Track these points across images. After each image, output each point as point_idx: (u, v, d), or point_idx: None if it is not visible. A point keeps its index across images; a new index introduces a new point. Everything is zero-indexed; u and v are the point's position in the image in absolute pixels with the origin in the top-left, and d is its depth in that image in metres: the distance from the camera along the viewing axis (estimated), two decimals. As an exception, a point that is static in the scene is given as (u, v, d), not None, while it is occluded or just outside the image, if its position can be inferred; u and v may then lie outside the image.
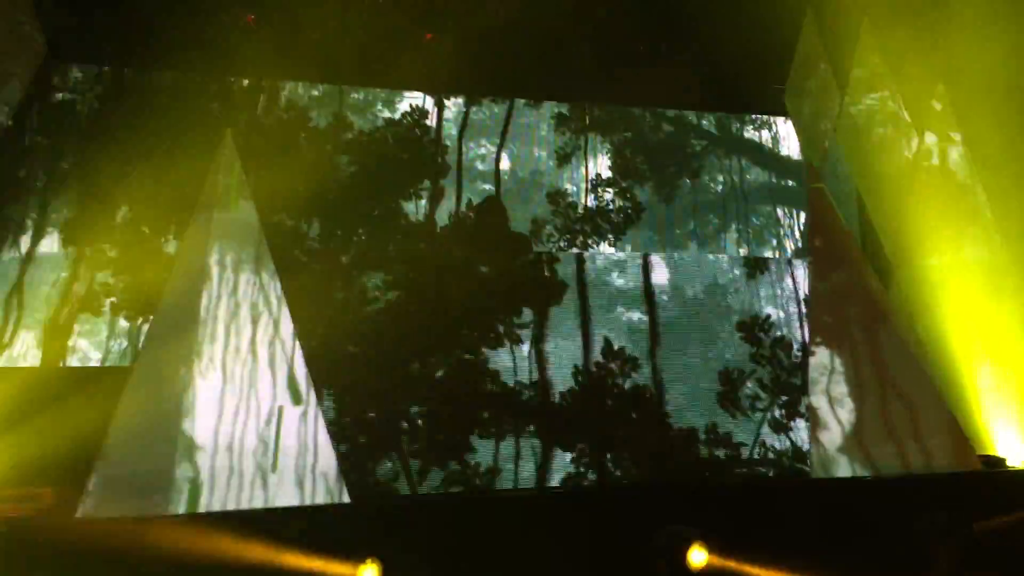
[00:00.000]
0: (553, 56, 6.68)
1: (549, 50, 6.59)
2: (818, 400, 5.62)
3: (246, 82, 6.71)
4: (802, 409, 6.89)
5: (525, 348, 6.74)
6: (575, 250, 7.03)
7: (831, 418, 5.78)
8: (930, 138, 6.29)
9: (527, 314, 6.82)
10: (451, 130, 7.16)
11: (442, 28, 6.67)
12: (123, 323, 6.41)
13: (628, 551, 4.92)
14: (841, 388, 5.64)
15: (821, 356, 5.69)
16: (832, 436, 5.72)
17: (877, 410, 5.54)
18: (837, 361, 5.63)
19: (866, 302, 5.89)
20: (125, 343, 6.37)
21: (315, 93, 6.91)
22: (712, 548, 5.02)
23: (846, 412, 5.66)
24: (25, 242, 6.34)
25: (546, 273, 6.93)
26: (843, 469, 5.57)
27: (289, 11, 6.41)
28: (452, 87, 7.00)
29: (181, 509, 4.64)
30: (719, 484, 6.69)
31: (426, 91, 6.99)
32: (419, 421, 6.24)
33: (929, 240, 6.07)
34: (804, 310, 7.21)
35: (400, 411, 6.10)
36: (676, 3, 6.63)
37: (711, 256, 7.16)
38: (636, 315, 7.06)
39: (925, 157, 6.14)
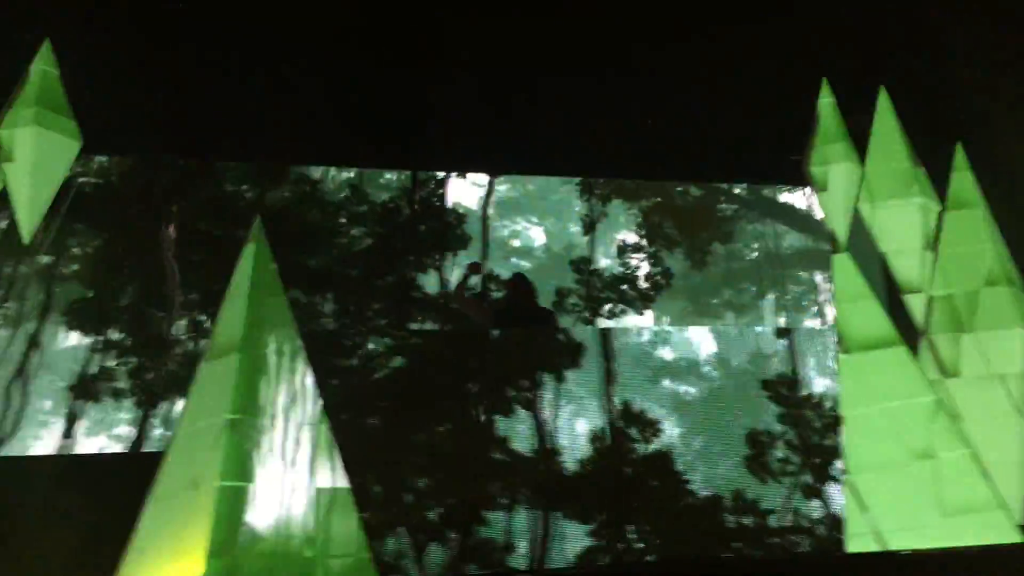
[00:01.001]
0: (576, 132, 6.78)
1: (572, 126, 6.70)
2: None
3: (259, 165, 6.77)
4: (834, 473, 6.80)
5: (539, 416, 6.65)
6: (604, 321, 7.02)
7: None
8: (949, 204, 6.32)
9: (542, 379, 6.73)
10: (470, 201, 7.22)
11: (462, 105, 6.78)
12: (129, 411, 6.40)
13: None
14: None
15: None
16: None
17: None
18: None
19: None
20: (134, 431, 6.36)
21: (332, 171, 6.99)
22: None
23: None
24: (30, 328, 6.39)
25: (565, 341, 6.91)
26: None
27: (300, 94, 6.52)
28: (472, 165, 7.08)
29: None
30: (744, 559, 6.58)
31: (446, 169, 7.07)
32: (424, 494, 6.13)
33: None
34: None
35: (405, 484, 5.97)
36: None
37: (746, 327, 7.06)
38: (663, 386, 7.00)
39: (946, 225, 6.17)
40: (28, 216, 4.86)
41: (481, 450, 6.43)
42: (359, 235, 7.04)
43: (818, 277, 7.48)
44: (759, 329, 7.08)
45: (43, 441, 6.53)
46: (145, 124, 6.09)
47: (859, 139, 6.18)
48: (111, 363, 6.55)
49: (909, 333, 6.03)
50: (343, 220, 6.87)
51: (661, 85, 6.66)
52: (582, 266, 7.17)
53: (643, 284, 7.29)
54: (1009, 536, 5.25)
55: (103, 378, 6.56)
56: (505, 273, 7.05)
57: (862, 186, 6.08)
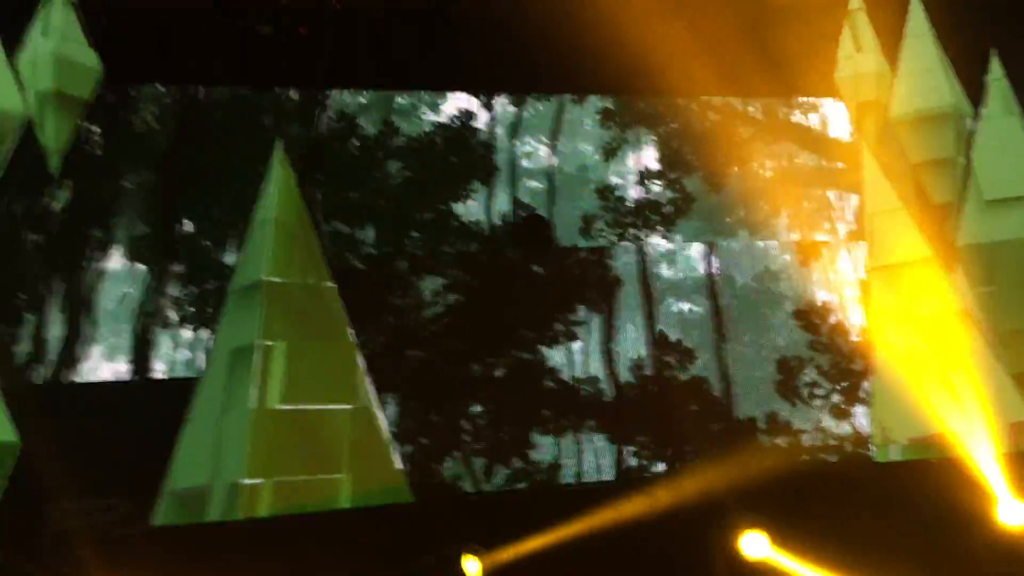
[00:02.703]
0: (596, 50, 6.63)
1: (591, 44, 6.55)
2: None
3: (296, 95, 6.76)
4: (862, 395, 6.76)
5: (581, 344, 6.72)
6: (626, 243, 6.98)
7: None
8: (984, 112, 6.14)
9: (582, 311, 6.79)
10: (497, 130, 7.14)
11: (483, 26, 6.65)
12: (187, 335, 6.55)
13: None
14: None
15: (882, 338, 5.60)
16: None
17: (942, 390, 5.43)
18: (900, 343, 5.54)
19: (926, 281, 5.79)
20: (190, 354, 6.52)
21: (362, 100, 6.95)
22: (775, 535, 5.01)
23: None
24: (95, 259, 6.51)
25: (600, 270, 6.90)
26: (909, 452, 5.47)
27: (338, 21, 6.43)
28: (496, 85, 6.97)
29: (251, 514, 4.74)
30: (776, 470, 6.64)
31: (470, 91, 6.99)
32: (480, 421, 6.27)
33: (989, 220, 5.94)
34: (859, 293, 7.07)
35: (461, 412, 6.13)
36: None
37: (760, 243, 7.00)
38: (688, 306, 6.98)
39: (981, 133, 6.00)
40: (54, 144, 4.90)
41: (526, 378, 6.52)
42: (394, 170, 7.01)
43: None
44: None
45: (103, 368, 6.72)
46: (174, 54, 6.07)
47: (889, 46, 6.00)
48: (172, 292, 6.67)
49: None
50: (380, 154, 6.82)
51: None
52: (606, 192, 7.10)
53: (666, 207, 7.22)
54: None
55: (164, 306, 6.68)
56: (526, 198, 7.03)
57: (892, 93, 5.91)
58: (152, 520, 4.81)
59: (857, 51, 6.00)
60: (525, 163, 7.28)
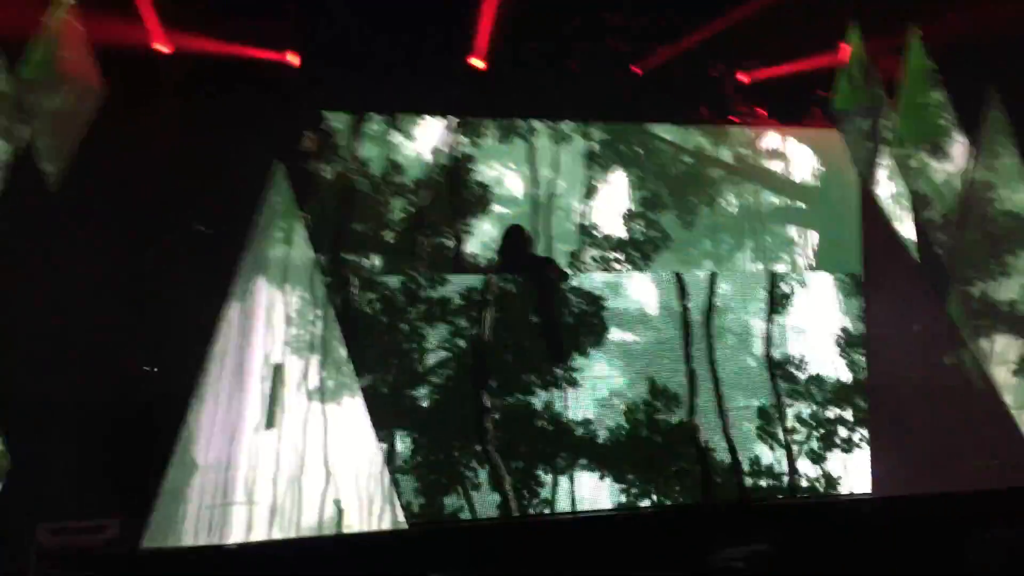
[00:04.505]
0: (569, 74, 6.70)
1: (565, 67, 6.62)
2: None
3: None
4: (837, 440, 6.82)
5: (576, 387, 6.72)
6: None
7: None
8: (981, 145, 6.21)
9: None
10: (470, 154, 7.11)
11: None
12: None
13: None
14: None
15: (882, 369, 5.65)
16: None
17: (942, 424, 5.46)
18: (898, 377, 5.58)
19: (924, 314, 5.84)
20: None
21: (338, 126, 6.84)
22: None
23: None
24: None
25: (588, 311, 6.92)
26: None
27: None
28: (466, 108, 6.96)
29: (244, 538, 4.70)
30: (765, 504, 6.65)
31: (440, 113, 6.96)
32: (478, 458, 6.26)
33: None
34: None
35: (462, 448, 6.14)
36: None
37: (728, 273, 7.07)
38: (652, 335, 6.95)
39: (979, 166, 6.06)
40: (53, 164, 4.89)
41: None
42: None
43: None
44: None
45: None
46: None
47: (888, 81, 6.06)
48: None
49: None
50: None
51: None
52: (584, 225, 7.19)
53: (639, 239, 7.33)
54: None
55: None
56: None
57: (891, 127, 5.97)
58: (142, 541, 4.76)
59: (857, 86, 6.07)
60: (496, 189, 7.25)
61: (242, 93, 5.76)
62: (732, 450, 6.59)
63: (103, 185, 5.03)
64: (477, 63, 6.51)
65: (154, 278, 4.95)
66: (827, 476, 6.71)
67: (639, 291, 7.09)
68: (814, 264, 7.19)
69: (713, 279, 7.15)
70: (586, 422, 6.55)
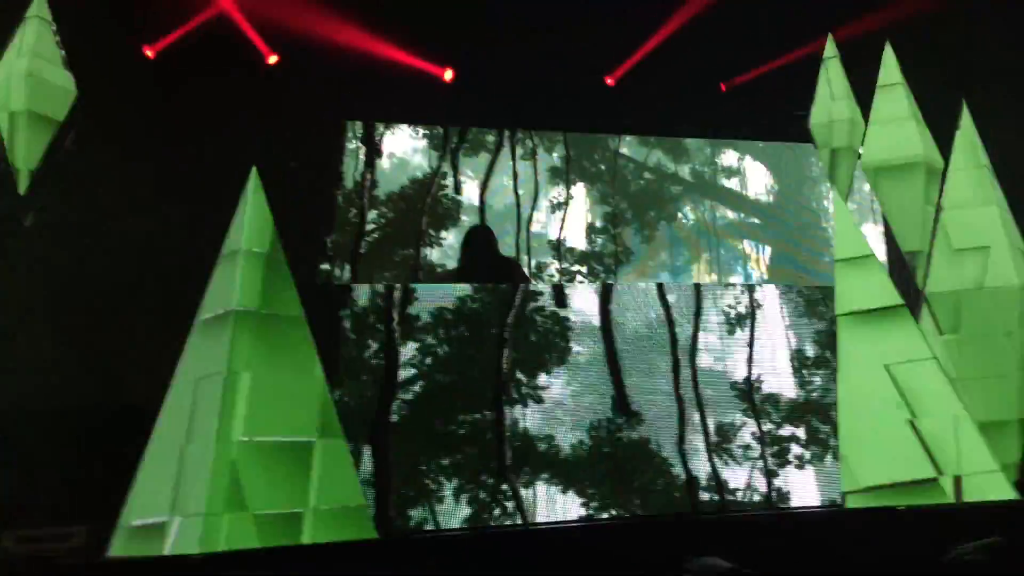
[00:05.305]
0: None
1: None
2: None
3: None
4: (790, 458, 6.88)
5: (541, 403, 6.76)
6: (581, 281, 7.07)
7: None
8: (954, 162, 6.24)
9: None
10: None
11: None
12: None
13: None
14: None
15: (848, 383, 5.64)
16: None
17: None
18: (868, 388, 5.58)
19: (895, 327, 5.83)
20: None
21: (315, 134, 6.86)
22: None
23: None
24: None
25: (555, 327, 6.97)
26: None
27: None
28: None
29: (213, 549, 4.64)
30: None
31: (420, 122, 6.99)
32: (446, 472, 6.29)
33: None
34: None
35: (428, 463, 6.17)
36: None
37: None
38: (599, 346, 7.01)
39: (950, 183, 6.09)
40: (24, 166, 4.85)
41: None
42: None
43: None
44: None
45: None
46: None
47: (863, 95, 6.11)
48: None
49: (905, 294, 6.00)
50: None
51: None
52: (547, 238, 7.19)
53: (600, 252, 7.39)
54: (1005, 494, 5.27)
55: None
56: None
57: (864, 143, 6.01)
58: (108, 552, 4.71)
59: (832, 99, 6.11)
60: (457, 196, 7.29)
61: (218, 98, 5.75)
62: (686, 464, 6.66)
63: (75, 189, 5.00)
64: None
65: (123, 290, 4.92)
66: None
67: (595, 303, 7.14)
68: (793, 278, 7.28)
69: (661, 288, 7.22)
70: (549, 437, 6.60)
